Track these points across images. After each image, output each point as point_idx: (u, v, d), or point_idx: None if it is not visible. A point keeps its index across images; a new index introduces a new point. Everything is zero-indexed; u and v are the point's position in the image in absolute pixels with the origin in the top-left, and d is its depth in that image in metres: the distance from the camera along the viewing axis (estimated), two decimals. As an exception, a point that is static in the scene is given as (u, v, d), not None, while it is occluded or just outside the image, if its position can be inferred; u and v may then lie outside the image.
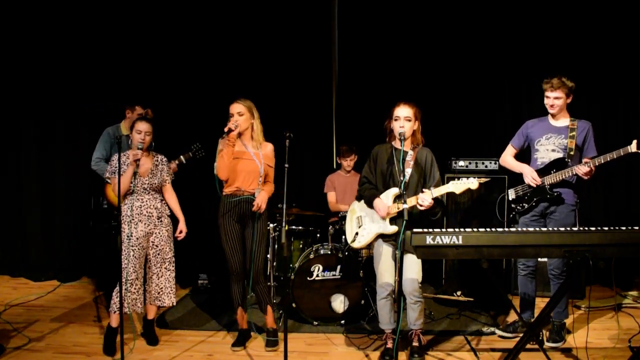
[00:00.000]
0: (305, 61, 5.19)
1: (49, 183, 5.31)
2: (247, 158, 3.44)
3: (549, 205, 3.50)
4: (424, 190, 3.19)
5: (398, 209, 3.23)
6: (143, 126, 3.43)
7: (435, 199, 3.17)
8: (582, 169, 3.32)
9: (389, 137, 3.41)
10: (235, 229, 3.47)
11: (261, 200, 3.42)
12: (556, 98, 3.45)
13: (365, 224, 3.45)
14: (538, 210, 3.54)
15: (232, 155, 3.34)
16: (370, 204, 3.37)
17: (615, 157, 3.19)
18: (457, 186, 3.15)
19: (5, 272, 5.34)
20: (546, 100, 3.51)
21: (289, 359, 2.97)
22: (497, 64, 5.10)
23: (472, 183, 3.14)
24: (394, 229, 3.27)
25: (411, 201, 3.18)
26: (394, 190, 3.29)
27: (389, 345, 3.37)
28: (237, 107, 3.40)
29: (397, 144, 3.34)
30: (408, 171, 3.27)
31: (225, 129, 3.31)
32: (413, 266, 3.21)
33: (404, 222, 2.85)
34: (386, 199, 3.29)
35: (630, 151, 3.13)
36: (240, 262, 3.48)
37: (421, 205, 3.15)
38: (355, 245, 3.48)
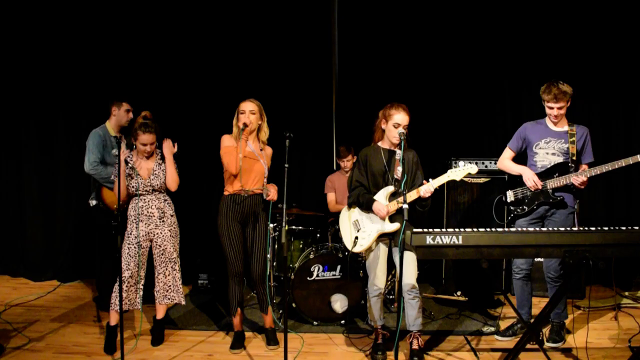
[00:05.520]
0: (305, 62, 5.18)
1: (49, 183, 5.30)
2: (253, 158, 3.45)
3: (549, 208, 3.50)
4: (424, 182, 3.22)
5: (398, 204, 3.24)
6: (148, 138, 3.48)
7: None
8: (579, 179, 3.33)
9: (380, 137, 3.42)
10: (237, 229, 3.46)
11: (275, 191, 3.50)
12: (560, 108, 3.41)
13: (364, 226, 3.42)
14: (538, 213, 3.53)
15: (243, 151, 3.36)
16: (369, 209, 3.35)
17: (617, 167, 3.22)
18: (457, 173, 3.09)
19: (5, 272, 5.34)
20: (549, 111, 3.47)
21: (289, 359, 2.97)
22: (497, 65, 5.09)
23: (472, 167, 3.06)
24: (395, 226, 3.27)
25: (411, 196, 3.20)
26: (389, 189, 3.31)
27: (380, 340, 3.41)
28: (250, 105, 3.43)
29: (384, 144, 3.41)
30: (399, 170, 3.29)
31: (240, 124, 3.36)
32: (410, 264, 3.23)
33: (404, 221, 2.85)
34: (381, 199, 3.31)
35: (636, 160, 3.14)
36: (242, 263, 3.48)
37: (423, 197, 3.18)
38: (357, 249, 3.42)
